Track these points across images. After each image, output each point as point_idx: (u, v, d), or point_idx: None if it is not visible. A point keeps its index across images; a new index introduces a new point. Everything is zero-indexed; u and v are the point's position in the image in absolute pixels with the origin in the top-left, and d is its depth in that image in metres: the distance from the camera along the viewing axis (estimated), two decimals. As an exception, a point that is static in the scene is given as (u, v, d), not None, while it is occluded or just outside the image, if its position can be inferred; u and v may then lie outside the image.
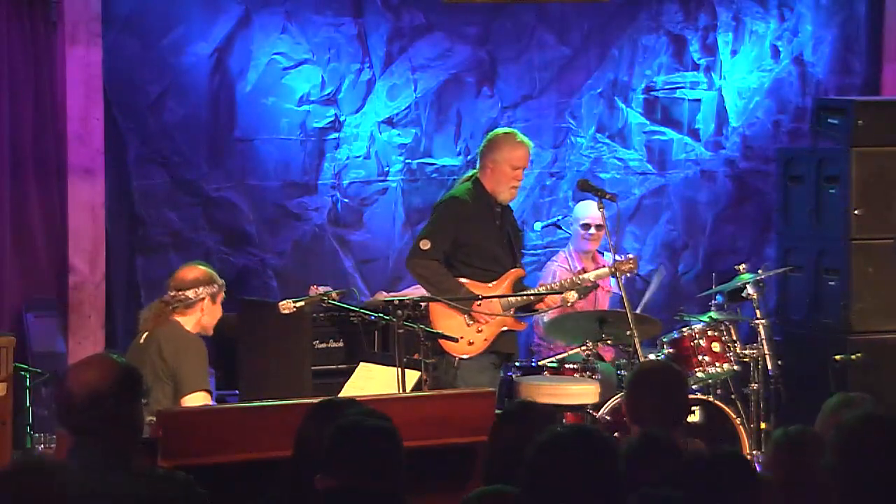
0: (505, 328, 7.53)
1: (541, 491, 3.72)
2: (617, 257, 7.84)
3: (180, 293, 6.62)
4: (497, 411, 6.04)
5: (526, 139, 7.67)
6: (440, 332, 7.17)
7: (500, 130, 7.87)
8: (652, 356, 7.73)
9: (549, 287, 7.74)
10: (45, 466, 3.52)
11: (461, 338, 7.37)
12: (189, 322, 6.62)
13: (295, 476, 4.19)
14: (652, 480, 4.00)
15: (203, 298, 6.64)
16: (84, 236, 8.27)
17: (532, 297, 7.58)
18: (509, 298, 7.47)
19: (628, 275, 7.86)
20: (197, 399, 6.42)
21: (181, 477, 3.97)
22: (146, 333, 6.62)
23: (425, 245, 7.46)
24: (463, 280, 7.46)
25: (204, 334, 6.71)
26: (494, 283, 7.52)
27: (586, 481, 3.71)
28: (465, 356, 7.41)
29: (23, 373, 7.24)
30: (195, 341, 6.57)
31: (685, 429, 5.31)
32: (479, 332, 7.43)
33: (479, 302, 7.33)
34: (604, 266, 8.40)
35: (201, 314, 6.66)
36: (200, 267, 6.76)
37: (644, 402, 5.11)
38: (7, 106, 8.01)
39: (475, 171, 7.71)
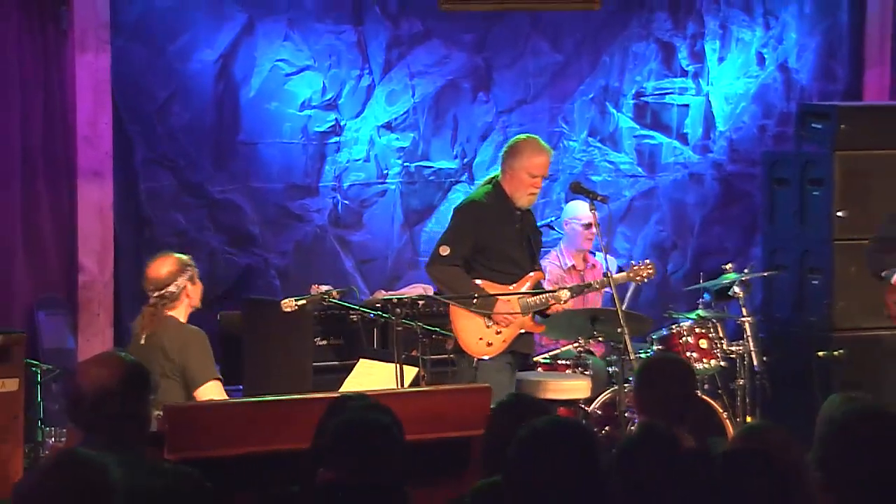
0: (523, 330, 7.39)
1: (522, 483, 3.72)
2: (633, 263, 7.78)
3: (164, 291, 6.54)
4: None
5: (547, 147, 7.49)
6: (437, 329, 7.13)
7: (521, 137, 7.63)
8: (642, 353, 7.73)
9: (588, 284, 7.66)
10: (83, 459, 3.48)
11: (480, 339, 7.26)
12: (181, 312, 6.55)
13: (312, 468, 4.18)
14: (649, 471, 3.99)
15: (184, 287, 6.58)
16: (93, 237, 8.27)
17: (543, 299, 7.41)
18: (528, 301, 7.32)
19: (646, 280, 7.76)
20: (210, 389, 6.39)
21: (188, 471, 3.96)
22: (145, 334, 6.55)
23: (445, 251, 7.28)
24: (481, 283, 7.30)
25: (196, 310, 6.65)
26: (514, 285, 7.34)
27: (565, 473, 3.71)
28: (483, 357, 7.27)
29: (34, 369, 7.26)
30: (196, 334, 6.53)
31: (690, 423, 5.28)
32: (497, 333, 7.27)
33: (475, 300, 7.25)
34: (596, 265, 8.42)
35: (188, 299, 6.59)
36: (168, 258, 6.63)
37: (653, 394, 5.08)
38: (18, 110, 8.02)
39: (497, 173, 7.54)
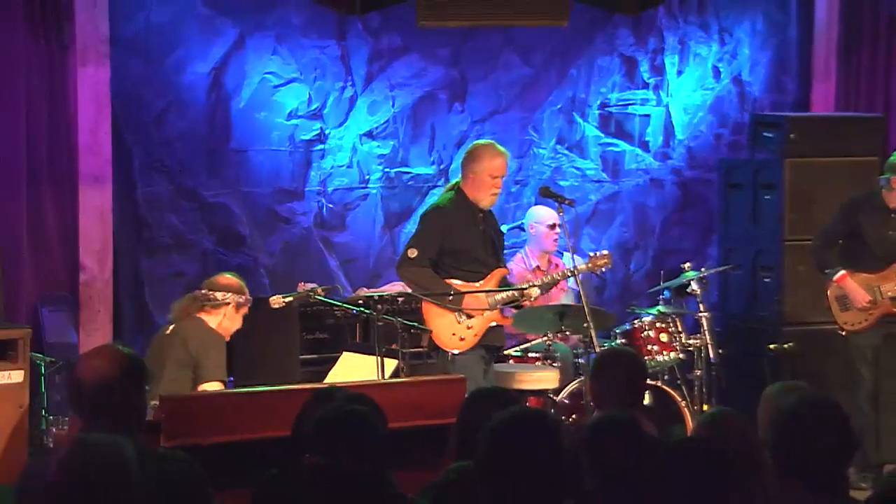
0: (493, 323, 7.42)
1: (492, 470, 3.73)
2: (590, 253, 7.80)
3: (210, 293, 6.60)
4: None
5: (503, 149, 7.52)
6: (416, 324, 7.13)
7: (479, 142, 7.71)
8: (607, 345, 7.74)
9: (545, 279, 7.67)
10: (99, 441, 3.43)
11: (453, 335, 7.28)
12: (212, 321, 6.58)
13: (295, 453, 4.18)
14: (616, 458, 4.00)
15: (228, 304, 6.61)
16: (94, 238, 8.25)
17: (514, 293, 7.45)
18: (496, 296, 7.34)
19: (603, 269, 7.77)
20: (213, 387, 6.40)
21: (182, 457, 3.95)
22: (172, 326, 6.60)
23: (412, 254, 7.32)
24: (451, 281, 7.35)
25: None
26: (481, 282, 7.40)
27: (530, 460, 3.72)
28: (457, 351, 7.29)
29: (38, 361, 7.23)
30: (218, 337, 6.55)
31: (641, 410, 5.30)
32: (468, 328, 7.31)
33: (450, 296, 7.27)
34: (559, 265, 8.43)
35: (223, 318, 6.62)
36: (235, 278, 6.75)
37: (605, 383, 5.07)
38: (24, 120, 7.99)
39: (458, 180, 7.59)
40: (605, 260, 7.67)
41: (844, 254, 8.06)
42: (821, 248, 8.11)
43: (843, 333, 8.07)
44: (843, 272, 7.97)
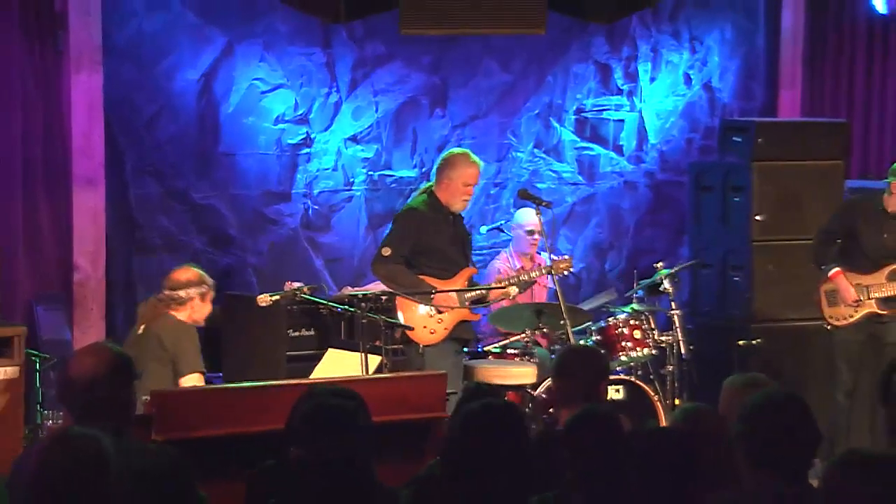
0: (462, 319, 7.50)
1: (457, 461, 3.71)
2: (553, 257, 7.83)
3: (173, 293, 6.54)
4: (451, 391, 6.03)
5: (477, 159, 7.63)
6: (398, 321, 7.14)
7: (455, 150, 7.79)
8: (582, 342, 7.73)
9: (502, 281, 7.71)
10: (77, 434, 3.38)
11: (424, 328, 7.34)
12: (181, 316, 6.56)
13: (286, 447, 4.15)
14: (594, 452, 3.98)
15: (193, 298, 6.56)
16: (87, 238, 8.20)
17: (482, 292, 7.56)
18: (464, 293, 7.43)
19: (564, 273, 7.83)
20: (192, 379, 6.42)
21: (170, 451, 3.93)
22: (143, 325, 6.55)
23: (386, 252, 7.43)
24: (423, 277, 7.43)
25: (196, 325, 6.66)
26: (450, 280, 7.49)
27: (494, 450, 3.71)
28: (428, 344, 7.37)
29: (33, 358, 7.20)
30: (190, 329, 6.54)
31: (609, 405, 5.27)
32: (439, 322, 7.40)
33: (432, 294, 7.31)
34: (541, 265, 8.42)
35: (191, 311, 6.59)
36: (192, 269, 6.67)
37: (570, 382, 5.02)
38: (20, 123, 7.95)
39: (430, 183, 7.68)
40: (567, 264, 7.76)
41: (841, 253, 8.06)
42: (819, 246, 8.12)
43: (829, 328, 8.07)
44: (837, 269, 7.98)
